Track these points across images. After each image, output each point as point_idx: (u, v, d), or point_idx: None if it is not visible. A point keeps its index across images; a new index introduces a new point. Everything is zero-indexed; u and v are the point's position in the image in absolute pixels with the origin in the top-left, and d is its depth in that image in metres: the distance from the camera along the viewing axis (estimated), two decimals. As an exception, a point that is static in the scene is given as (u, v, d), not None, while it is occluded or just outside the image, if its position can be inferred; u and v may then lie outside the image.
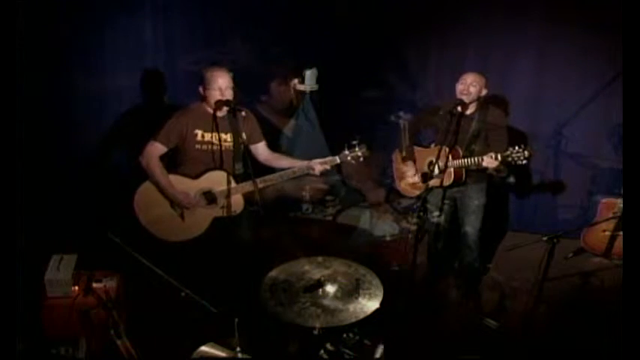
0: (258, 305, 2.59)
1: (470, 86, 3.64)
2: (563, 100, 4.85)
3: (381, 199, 5.33)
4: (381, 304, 2.58)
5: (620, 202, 4.36)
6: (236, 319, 2.60)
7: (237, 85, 3.41)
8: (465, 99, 3.63)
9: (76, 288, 3.06)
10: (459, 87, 3.68)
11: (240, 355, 2.66)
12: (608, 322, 3.57)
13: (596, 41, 4.58)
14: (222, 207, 3.44)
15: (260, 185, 3.29)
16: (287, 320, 2.50)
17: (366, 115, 5.38)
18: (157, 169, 3.36)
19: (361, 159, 3.54)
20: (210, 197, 3.46)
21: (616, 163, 4.70)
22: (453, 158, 3.63)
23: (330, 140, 5.24)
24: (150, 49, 4.54)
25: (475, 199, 3.88)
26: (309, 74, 5.33)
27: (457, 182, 3.75)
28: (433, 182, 3.66)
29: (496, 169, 3.60)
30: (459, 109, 3.60)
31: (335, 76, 5.28)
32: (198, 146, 3.41)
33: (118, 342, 2.62)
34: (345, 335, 2.82)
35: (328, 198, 5.51)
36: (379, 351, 2.82)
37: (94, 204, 4.19)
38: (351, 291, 2.64)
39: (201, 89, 3.37)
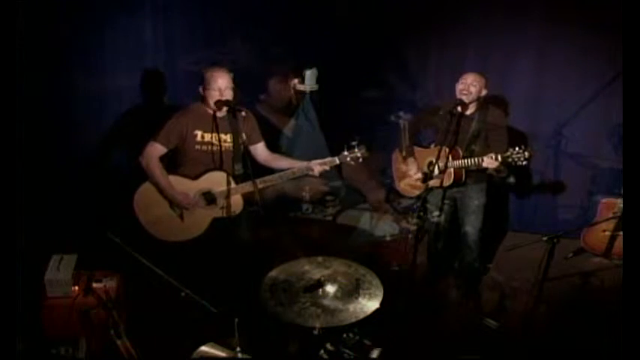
0: (258, 305, 2.59)
1: (470, 86, 3.64)
2: (563, 100, 4.85)
3: (381, 200, 5.33)
4: (381, 304, 2.58)
5: (620, 202, 4.36)
6: (236, 319, 2.60)
7: (238, 85, 3.41)
8: (465, 99, 3.63)
9: (76, 288, 3.06)
10: (459, 87, 3.68)
11: (240, 355, 2.66)
12: (608, 322, 3.57)
13: (596, 41, 4.58)
14: (222, 207, 3.44)
15: (260, 186, 3.29)
16: (287, 320, 2.50)
17: (366, 115, 5.38)
18: (157, 169, 3.36)
19: (360, 160, 3.54)
20: (209, 198, 3.46)
21: (616, 163, 4.70)
22: (453, 158, 3.63)
23: (330, 140, 5.25)
24: (150, 49, 4.54)
25: (475, 199, 3.88)
26: (309, 74, 5.33)
27: (457, 182, 3.75)
28: (433, 182, 3.66)
29: (496, 170, 3.60)
30: (459, 109, 3.60)
31: (335, 76, 5.28)
32: (197, 147, 3.41)
33: (118, 342, 2.62)
34: (345, 335, 2.82)
35: (328, 198, 5.51)
36: (375, 352, 2.82)
37: (94, 204, 4.19)
38: (351, 291, 2.64)
39: (200, 89, 3.37)
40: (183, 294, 2.72)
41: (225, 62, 4.25)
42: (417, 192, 4.04)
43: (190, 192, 3.43)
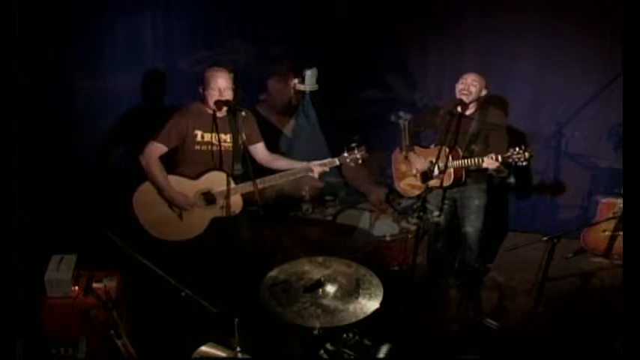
0: (258, 305, 2.59)
1: (470, 86, 3.64)
2: (563, 100, 4.86)
3: (381, 199, 5.33)
4: (381, 304, 2.58)
5: (620, 202, 4.37)
6: (236, 319, 2.59)
7: (238, 85, 3.41)
8: (465, 99, 3.63)
9: (76, 288, 3.05)
10: (459, 86, 3.68)
11: (240, 355, 2.66)
12: (608, 322, 3.57)
13: (596, 41, 4.58)
14: (222, 207, 3.44)
15: (259, 186, 3.29)
16: (287, 320, 2.50)
17: (366, 115, 5.38)
18: (157, 169, 3.36)
19: (360, 161, 3.55)
20: (209, 198, 3.45)
21: (616, 163, 4.70)
22: (453, 159, 3.63)
23: (330, 141, 5.25)
24: (150, 49, 4.53)
25: (475, 199, 3.88)
26: (309, 74, 5.32)
27: (457, 182, 3.75)
28: (433, 182, 3.66)
29: (496, 170, 3.60)
30: (459, 109, 3.60)
31: (335, 76, 5.28)
32: (197, 147, 3.41)
33: (118, 342, 2.61)
34: (345, 335, 2.82)
35: (328, 198, 5.50)
36: (384, 350, 2.82)
37: (94, 204, 4.19)
38: (351, 291, 2.64)
39: (200, 89, 3.37)
40: (183, 294, 2.72)
41: (225, 62, 4.25)
42: (417, 192, 4.04)
43: (190, 192, 3.43)
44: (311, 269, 2.77)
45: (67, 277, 3.03)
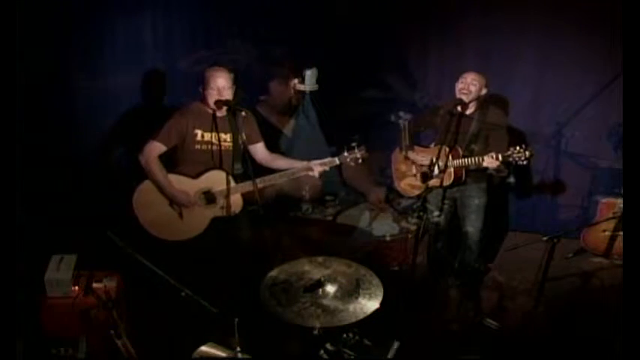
0: (258, 305, 2.59)
1: (470, 85, 3.64)
2: (563, 100, 4.86)
3: (380, 199, 5.33)
4: (381, 304, 2.58)
5: (620, 202, 4.37)
6: (236, 319, 2.60)
7: (238, 85, 3.41)
8: (465, 98, 3.63)
9: (76, 288, 3.05)
10: (459, 86, 3.68)
11: (240, 355, 2.66)
12: (608, 322, 3.57)
13: (596, 41, 4.58)
14: (222, 207, 3.44)
15: (259, 185, 3.29)
16: (287, 320, 2.50)
17: (366, 115, 5.38)
18: (156, 167, 3.36)
19: (360, 161, 3.55)
20: (209, 197, 3.46)
21: (616, 163, 4.70)
22: (453, 158, 3.63)
23: (330, 140, 5.25)
24: (150, 49, 4.53)
25: (475, 199, 3.88)
26: (309, 74, 5.32)
27: (457, 182, 3.75)
28: (433, 182, 3.66)
29: (496, 169, 3.60)
30: (459, 108, 3.60)
31: (335, 76, 5.28)
32: (197, 146, 3.41)
33: (118, 342, 2.61)
34: (345, 335, 2.82)
35: (328, 198, 5.51)
36: (394, 348, 2.82)
37: (94, 204, 4.19)
38: (351, 291, 2.64)
39: (200, 89, 3.37)
40: (183, 294, 2.72)
41: (225, 62, 4.25)
42: (417, 192, 4.05)
43: (190, 191, 3.43)
44: (311, 269, 2.77)
45: (67, 277, 3.03)
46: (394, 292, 2.92)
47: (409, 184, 4.08)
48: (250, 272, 3.05)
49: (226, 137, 3.44)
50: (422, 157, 3.93)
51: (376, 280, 2.71)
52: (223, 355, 2.71)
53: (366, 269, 2.79)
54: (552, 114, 4.91)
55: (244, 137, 3.42)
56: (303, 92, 5.41)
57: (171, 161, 3.47)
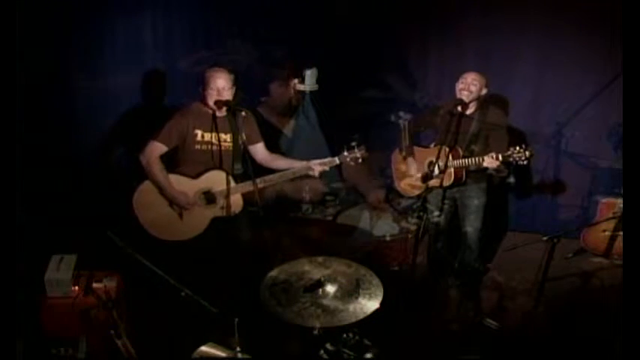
0: (258, 305, 2.59)
1: (470, 85, 3.64)
2: (563, 100, 4.86)
3: (380, 199, 5.33)
4: (381, 304, 2.58)
5: (620, 202, 4.37)
6: (236, 319, 2.60)
7: (238, 86, 3.41)
8: (465, 98, 3.63)
9: (76, 288, 3.05)
10: (459, 86, 3.68)
11: (240, 355, 2.66)
12: (608, 322, 3.57)
13: (596, 41, 4.58)
14: (222, 207, 3.44)
15: (259, 185, 3.29)
16: (287, 320, 2.50)
17: (366, 115, 5.38)
18: (157, 168, 3.36)
19: (360, 160, 3.55)
20: (209, 197, 3.46)
21: (616, 163, 4.70)
22: (453, 158, 3.63)
23: (330, 140, 5.24)
24: (150, 49, 4.54)
25: (475, 199, 3.88)
26: (309, 74, 5.32)
27: (457, 182, 3.74)
28: (433, 182, 3.66)
29: (496, 169, 3.60)
30: (459, 108, 3.60)
31: (335, 76, 5.28)
32: (198, 146, 3.41)
33: (118, 342, 2.61)
34: (345, 335, 2.82)
35: (328, 198, 5.50)
36: (371, 353, 2.82)
37: (94, 204, 4.19)
38: (351, 291, 2.64)
39: (200, 89, 3.37)
40: (183, 294, 2.72)
41: (225, 63, 4.25)
42: (417, 192, 4.04)
43: (190, 191, 3.43)
44: (311, 269, 2.77)
45: (67, 277, 3.03)
46: (394, 292, 2.92)
47: (409, 184, 4.07)
48: (250, 272, 3.05)
49: (226, 137, 3.44)
50: (421, 160, 3.94)
51: (376, 280, 2.71)
52: (223, 355, 2.71)
53: (366, 269, 2.79)
54: (552, 114, 4.91)
55: (244, 137, 3.42)
56: (303, 92, 5.41)
57: (171, 161, 3.47)
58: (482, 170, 3.68)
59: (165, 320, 3.37)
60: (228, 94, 3.33)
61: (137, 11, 4.42)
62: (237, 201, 3.46)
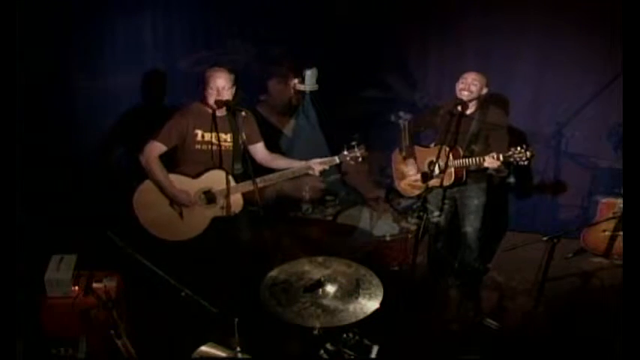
0: (258, 305, 2.59)
1: (470, 85, 3.64)
2: (563, 100, 4.86)
3: (380, 199, 5.33)
4: (381, 304, 2.58)
5: (620, 202, 4.37)
6: (236, 319, 2.60)
7: (238, 85, 3.41)
8: (465, 98, 3.62)
9: (76, 288, 3.05)
10: (459, 86, 3.68)
11: (240, 355, 2.66)
12: (608, 322, 3.57)
13: (596, 41, 4.58)
14: (222, 207, 3.44)
15: (260, 185, 3.29)
16: (287, 320, 2.50)
17: (366, 115, 5.38)
18: (157, 167, 3.36)
19: (360, 159, 3.55)
20: (209, 197, 3.46)
21: (616, 163, 4.70)
22: (454, 158, 3.63)
23: (330, 140, 5.24)
24: (150, 49, 4.53)
25: (475, 199, 3.88)
26: (309, 74, 5.32)
27: (458, 182, 3.74)
28: (433, 182, 3.66)
29: (496, 169, 3.60)
30: (459, 108, 3.60)
31: (335, 76, 5.28)
32: (198, 146, 3.41)
33: (118, 342, 2.61)
34: (345, 335, 2.82)
35: (328, 198, 5.50)
36: (374, 351, 2.82)
37: (94, 204, 4.19)
38: (351, 291, 2.64)
39: (201, 89, 3.37)
40: (183, 294, 2.72)
41: (225, 62, 4.25)
42: (417, 192, 4.04)
43: (190, 191, 3.43)
44: (311, 269, 2.77)
45: (67, 277, 3.03)
46: (394, 292, 2.92)
47: (409, 184, 4.07)
48: (250, 272, 3.05)
49: (226, 137, 3.44)
50: (420, 161, 3.94)
51: (376, 280, 2.71)
52: (223, 355, 2.71)
53: (366, 269, 2.80)
54: (552, 114, 4.90)
55: (244, 137, 3.42)
56: (303, 92, 5.41)
57: (171, 161, 3.47)
58: (483, 170, 3.68)
59: (165, 320, 3.37)
60: (228, 94, 3.33)
61: (137, 11, 4.42)
62: (237, 201, 3.46)
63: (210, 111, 3.38)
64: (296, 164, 3.55)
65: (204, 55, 4.74)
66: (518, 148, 3.44)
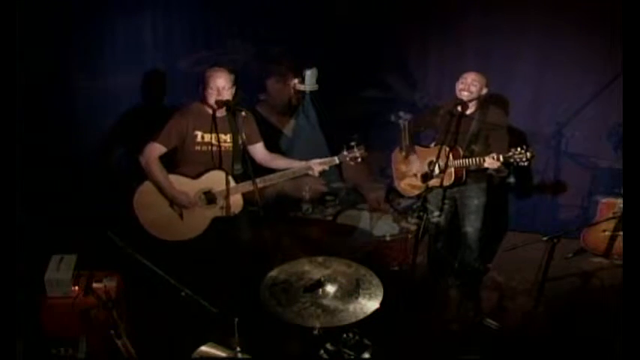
0: (258, 305, 2.59)
1: (470, 85, 3.64)
2: (563, 100, 4.86)
3: (380, 199, 5.33)
4: (381, 304, 2.58)
5: (620, 202, 4.37)
6: (236, 319, 2.60)
7: (238, 85, 3.41)
8: (465, 98, 3.62)
9: (76, 288, 3.05)
10: (459, 86, 3.68)
11: (240, 355, 2.66)
12: (608, 322, 3.57)
13: (596, 41, 4.58)
14: (222, 207, 3.44)
15: (260, 185, 3.29)
16: (287, 320, 2.50)
17: (366, 115, 5.38)
18: (157, 168, 3.36)
19: (360, 160, 3.55)
20: (209, 197, 3.46)
21: (616, 163, 4.70)
22: (454, 158, 3.63)
23: (330, 140, 5.24)
24: (150, 49, 4.54)
25: (475, 199, 3.88)
26: (309, 74, 5.32)
27: (458, 182, 3.74)
28: (433, 182, 3.66)
29: (497, 170, 3.60)
30: (459, 108, 3.60)
31: (335, 76, 5.28)
32: (197, 147, 3.41)
33: (118, 342, 2.61)
34: (345, 335, 2.82)
35: (328, 198, 5.50)
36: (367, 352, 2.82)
37: (94, 204, 4.19)
38: (351, 291, 2.64)
39: (200, 89, 3.37)
40: (183, 294, 2.72)
41: (225, 62, 4.25)
42: (417, 192, 4.04)
43: (191, 191, 3.43)
44: (311, 269, 2.77)
45: (67, 277, 3.03)
46: (394, 292, 2.92)
47: (409, 184, 4.07)
48: (250, 272, 3.05)
49: (226, 138, 3.44)
50: (423, 158, 3.93)
51: (376, 280, 2.71)
52: (223, 355, 2.71)
53: (366, 269, 2.80)
54: (552, 114, 4.90)
55: (244, 137, 3.42)
56: (303, 92, 5.41)
57: (171, 162, 3.47)
58: (483, 170, 3.68)
59: (166, 320, 3.37)
60: (228, 94, 3.33)
61: (137, 11, 4.42)
62: (237, 201, 3.46)
63: (210, 111, 3.38)
64: (296, 164, 3.55)
65: (204, 55, 4.75)
66: (519, 149, 3.44)
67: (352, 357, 2.76)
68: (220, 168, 3.42)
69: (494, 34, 4.85)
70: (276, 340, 2.99)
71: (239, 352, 2.66)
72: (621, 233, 4.32)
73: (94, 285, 3.07)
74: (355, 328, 2.80)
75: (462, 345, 3.54)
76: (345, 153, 3.53)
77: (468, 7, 4.92)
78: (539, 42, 4.78)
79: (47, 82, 4.02)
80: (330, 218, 5.34)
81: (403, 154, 4.03)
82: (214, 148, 3.40)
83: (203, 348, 2.75)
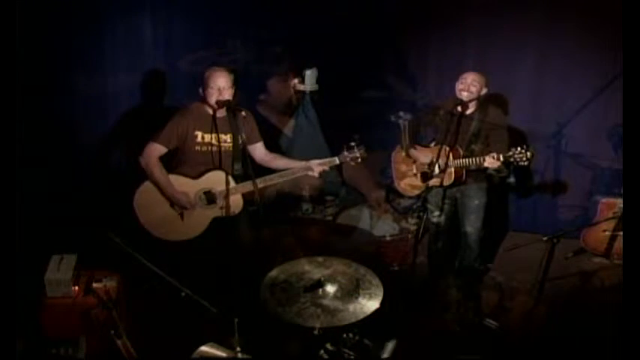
0: (258, 305, 2.59)
1: (470, 85, 3.64)
2: (563, 100, 4.86)
3: (380, 199, 5.33)
4: (381, 304, 2.58)
5: (620, 202, 4.37)
6: (236, 319, 2.60)
7: (238, 85, 3.41)
8: (465, 98, 3.63)
9: (76, 288, 3.05)
10: (459, 86, 3.68)
11: (240, 355, 2.66)
12: (608, 322, 3.57)
13: (596, 41, 4.58)
14: (222, 207, 3.44)
15: (260, 185, 3.29)
16: (287, 320, 2.50)
17: (366, 115, 5.38)
18: (157, 168, 3.36)
19: (360, 160, 3.55)
20: (210, 197, 3.46)
21: (616, 163, 4.70)
22: (454, 158, 3.63)
23: (330, 140, 5.24)
24: (150, 49, 4.54)
25: (475, 199, 3.88)
26: (309, 74, 5.33)
27: (458, 182, 3.75)
28: (433, 182, 3.66)
29: (497, 169, 3.61)
30: (459, 108, 3.60)
31: (335, 76, 5.28)
32: (198, 147, 3.41)
33: (118, 342, 2.61)
34: (345, 335, 2.82)
35: (328, 198, 5.51)
36: (390, 347, 2.82)
37: (93, 204, 4.19)
38: (351, 291, 2.64)
39: (200, 89, 3.37)
40: (183, 294, 2.72)
41: (225, 62, 4.25)
42: (417, 192, 4.05)
43: (191, 191, 3.43)
44: (311, 269, 2.77)
45: (67, 277, 3.03)
46: (394, 292, 2.92)
47: (409, 184, 4.07)
48: (250, 272, 3.05)
49: (226, 138, 3.44)
50: (424, 155, 3.93)
51: (376, 280, 2.71)
52: (223, 355, 2.71)
53: (366, 269, 2.79)
54: (552, 114, 4.90)
55: (244, 138, 3.42)
56: (303, 92, 5.42)
57: (171, 162, 3.47)
58: (483, 170, 3.69)
59: (166, 320, 3.37)
60: (228, 94, 3.33)
61: (137, 11, 4.42)
62: (237, 201, 3.46)
63: (210, 111, 3.38)
64: (296, 164, 3.55)
65: (204, 55, 4.74)
66: (519, 149, 3.45)
67: (352, 357, 2.76)
68: (220, 168, 3.42)
69: (495, 34, 4.86)
70: (276, 340, 2.99)
71: (239, 352, 2.66)
72: (621, 233, 4.32)
73: (94, 285, 3.07)
74: (355, 328, 2.80)
75: (462, 345, 3.54)
76: (345, 153, 3.53)
77: (467, 7, 4.92)
78: (539, 42, 4.78)
79: (47, 82, 4.01)
80: (330, 218, 5.34)
81: (403, 154, 4.03)
82: (214, 149, 3.40)
83: (203, 348, 2.75)
